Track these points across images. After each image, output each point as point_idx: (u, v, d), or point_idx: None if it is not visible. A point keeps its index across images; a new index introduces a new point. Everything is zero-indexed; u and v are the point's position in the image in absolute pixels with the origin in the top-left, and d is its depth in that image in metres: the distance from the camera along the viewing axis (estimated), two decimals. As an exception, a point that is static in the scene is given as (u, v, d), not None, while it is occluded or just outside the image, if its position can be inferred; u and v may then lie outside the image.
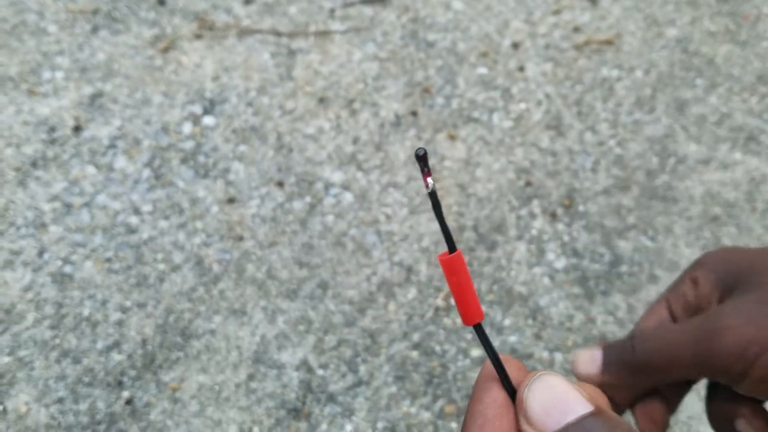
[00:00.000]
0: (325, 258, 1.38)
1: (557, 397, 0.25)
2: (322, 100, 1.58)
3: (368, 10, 1.72)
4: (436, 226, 1.42)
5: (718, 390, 0.44)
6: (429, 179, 0.24)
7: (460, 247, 1.42)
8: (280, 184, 1.46)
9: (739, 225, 1.46)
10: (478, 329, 0.26)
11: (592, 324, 1.34)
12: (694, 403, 1.25)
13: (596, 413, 0.25)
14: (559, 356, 1.30)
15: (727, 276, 0.42)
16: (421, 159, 0.24)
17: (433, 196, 0.25)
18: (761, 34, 1.74)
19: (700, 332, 0.38)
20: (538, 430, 0.25)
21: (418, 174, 1.48)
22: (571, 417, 0.25)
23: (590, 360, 0.44)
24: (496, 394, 0.27)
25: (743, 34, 1.74)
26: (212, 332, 1.30)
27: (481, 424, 0.26)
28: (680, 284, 0.46)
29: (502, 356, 0.26)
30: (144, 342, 1.29)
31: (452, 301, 1.35)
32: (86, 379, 1.25)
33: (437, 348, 1.30)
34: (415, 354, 1.29)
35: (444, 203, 1.45)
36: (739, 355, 0.36)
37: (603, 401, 0.28)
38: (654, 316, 0.47)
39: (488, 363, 0.27)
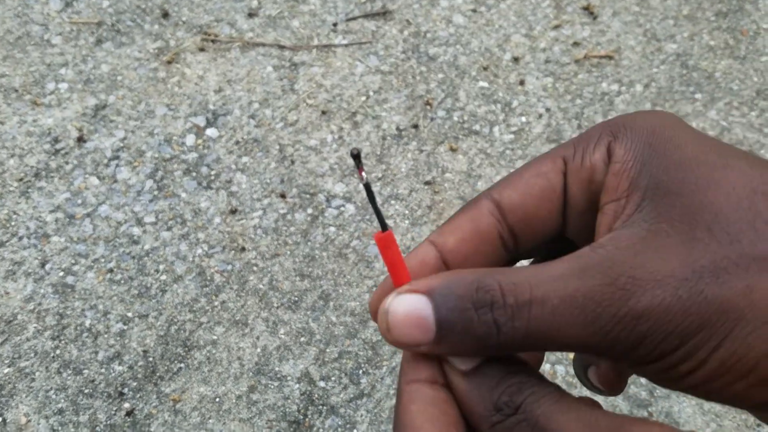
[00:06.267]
0: (326, 269, 1.39)
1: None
2: (324, 113, 1.59)
3: (370, 24, 1.74)
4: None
5: None
6: (363, 173, 0.30)
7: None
8: (283, 196, 1.46)
9: (739, 238, 1.47)
10: None
11: (594, 337, 1.34)
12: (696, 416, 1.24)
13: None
14: (561, 369, 1.29)
15: (653, 177, 0.29)
16: (356, 158, 0.30)
17: (367, 187, 0.30)
18: (760, 48, 1.76)
19: (604, 294, 0.26)
20: (454, 368, 0.30)
21: (420, 185, 1.49)
22: (480, 359, 0.30)
23: (415, 322, 0.29)
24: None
25: (742, 49, 1.76)
26: (214, 343, 1.30)
27: (414, 367, 0.31)
28: (591, 150, 0.32)
29: None
30: (145, 353, 1.29)
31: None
32: (87, 391, 1.25)
33: (439, 360, 1.30)
34: (416, 366, 1.29)
35: (445, 215, 1.46)
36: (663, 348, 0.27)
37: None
38: (539, 182, 0.33)
39: None
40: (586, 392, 1.07)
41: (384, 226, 0.31)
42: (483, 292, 0.27)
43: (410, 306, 0.29)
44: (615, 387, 0.38)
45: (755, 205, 0.27)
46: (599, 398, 1.10)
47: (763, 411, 0.30)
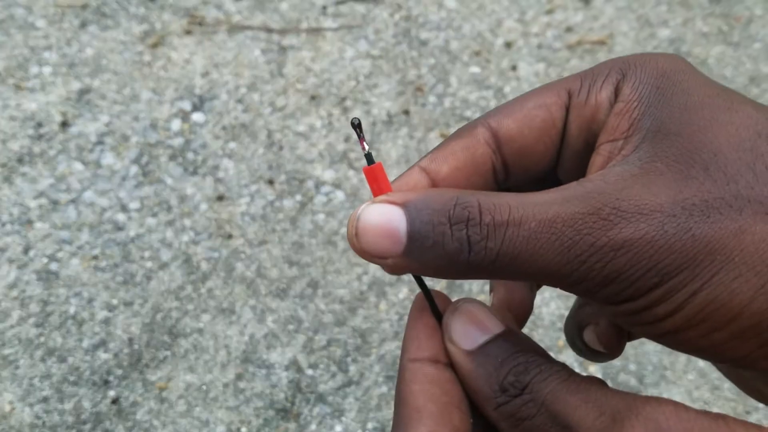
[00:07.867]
0: (315, 257, 1.37)
1: (474, 320, 0.29)
2: (313, 98, 1.56)
3: (360, 8, 1.71)
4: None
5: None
6: (364, 143, 0.30)
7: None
8: (271, 182, 1.44)
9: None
10: None
11: (584, 324, 1.34)
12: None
13: (505, 333, 0.29)
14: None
15: (656, 120, 0.28)
16: (356, 127, 0.31)
17: (368, 157, 0.30)
18: (753, 35, 1.75)
19: (584, 222, 0.25)
20: (458, 348, 0.29)
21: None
22: (484, 338, 0.29)
23: (385, 232, 0.27)
24: (426, 320, 0.31)
25: (736, 36, 1.74)
26: (200, 331, 1.29)
27: (417, 345, 0.30)
28: (598, 87, 0.31)
29: (431, 290, 0.31)
30: (131, 341, 1.27)
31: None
32: (72, 378, 1.23)
33: (428, 348, 1.29)
34: (405, 354, 1.28)
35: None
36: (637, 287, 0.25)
37: (513, 322, 0.31)
38: (540, 114, 0.31)
39: (419, 296, 0.32)
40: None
41: (371, 162, 0.31)
42: (461, 209, 0.26)
43: (383, 215, 0.27)
44: (614, 347, 0.36)
45: (757, 147, 0.26)
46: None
47: (740, 367, 0.28)
